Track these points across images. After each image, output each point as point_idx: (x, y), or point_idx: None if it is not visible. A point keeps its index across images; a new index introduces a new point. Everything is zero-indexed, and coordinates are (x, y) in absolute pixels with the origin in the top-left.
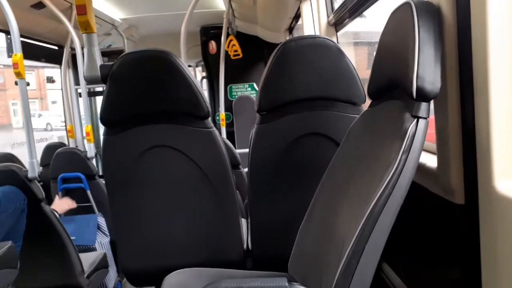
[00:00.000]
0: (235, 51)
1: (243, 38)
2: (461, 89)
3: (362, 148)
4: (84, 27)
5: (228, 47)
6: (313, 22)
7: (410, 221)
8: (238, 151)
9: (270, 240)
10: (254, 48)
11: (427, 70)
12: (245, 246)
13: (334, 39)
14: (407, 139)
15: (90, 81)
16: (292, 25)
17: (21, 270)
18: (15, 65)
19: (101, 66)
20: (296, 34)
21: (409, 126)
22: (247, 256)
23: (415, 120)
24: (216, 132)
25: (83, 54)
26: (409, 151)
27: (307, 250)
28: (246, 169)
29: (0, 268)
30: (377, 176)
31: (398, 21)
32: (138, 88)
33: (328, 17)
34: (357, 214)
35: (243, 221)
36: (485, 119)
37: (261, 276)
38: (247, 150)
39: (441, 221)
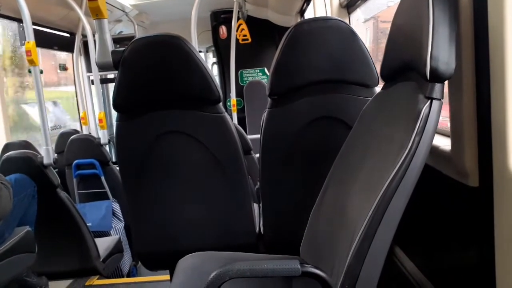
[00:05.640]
0: (244, 35)
1: (254, 22)
2: (476, 69)
3: (375, 131)
4: (95, 12)
5: (237, 31)
6: (324, 4)
7: (423, 204)
8: (249, 136)
9: (282, 224)
10: (265, 33)
11: (441, 50)
12: (257, 230)
13: (347, 22)
14: (421, 121)
15: (102, 67)
16: (304, 8)
17: (38, 254)
18: (28, 53)
19: (113, 52)
20: (308, 17)
21: (423, 108)
22: (259, 240)
23: (429, 101)
24: (228, 117)
25: (94, 41)
26: (423, 133)
27: (319, 233)
28: (257, 155)
29: (19, 253)
30: (390, 159)
31: (412, 0)
32: (149, 73)
33: None
34: (369, 197)
35: (255, 206)
36: (501, 101)
37: (273, 259)
38: (258, 135)
39: (455, 204)
